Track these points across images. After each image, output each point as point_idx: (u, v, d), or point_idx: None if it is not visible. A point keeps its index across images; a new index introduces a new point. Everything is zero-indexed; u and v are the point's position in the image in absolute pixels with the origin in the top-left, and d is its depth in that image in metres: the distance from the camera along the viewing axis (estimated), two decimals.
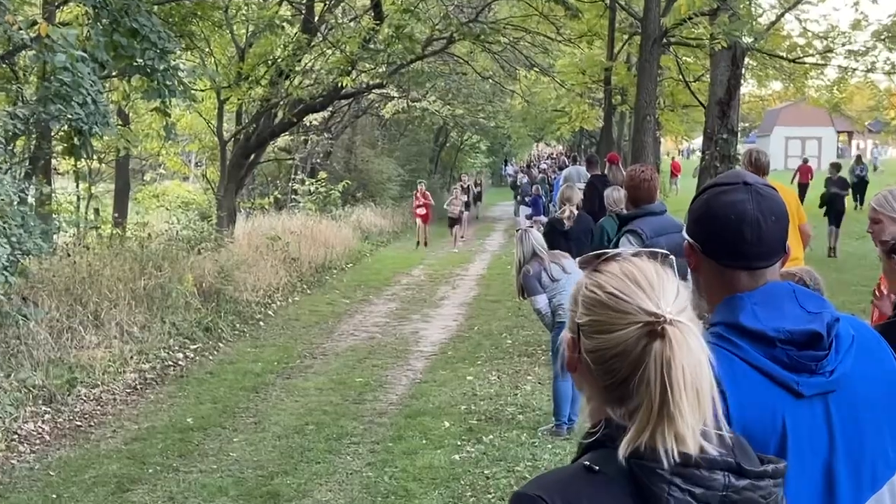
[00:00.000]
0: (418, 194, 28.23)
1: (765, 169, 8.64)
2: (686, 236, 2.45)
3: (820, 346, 2.20)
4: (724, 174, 2.58)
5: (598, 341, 1.73)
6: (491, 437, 8.79)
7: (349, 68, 20.59)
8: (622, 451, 1.66)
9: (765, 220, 2.29)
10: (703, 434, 1.68)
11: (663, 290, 1.72)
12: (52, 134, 14.19)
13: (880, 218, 4.90)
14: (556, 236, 11.08)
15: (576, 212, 11.21)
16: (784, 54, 21.92)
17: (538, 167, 52.21)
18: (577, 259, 1.91)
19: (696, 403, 1.65)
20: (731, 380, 2.10)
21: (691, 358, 1.66)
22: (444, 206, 29.75)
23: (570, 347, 1.81)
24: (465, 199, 30.30)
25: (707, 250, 2.34)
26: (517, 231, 9.33)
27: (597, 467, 1.70)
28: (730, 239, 2.30)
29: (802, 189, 34.14)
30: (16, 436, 8.91)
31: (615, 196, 10.66)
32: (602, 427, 1.74)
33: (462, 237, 29.15)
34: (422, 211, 27.82)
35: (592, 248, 10.80)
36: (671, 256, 1.84)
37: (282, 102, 21.16)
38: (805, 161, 39.12)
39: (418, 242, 27.67)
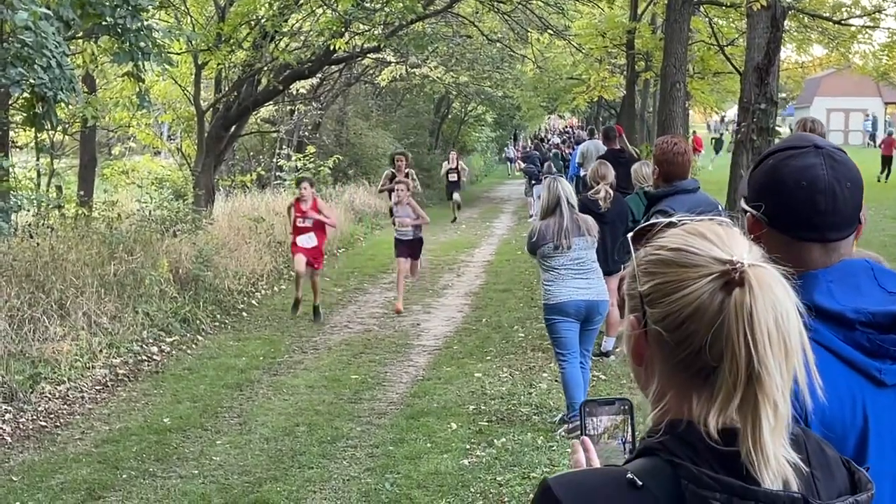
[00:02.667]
0: (301, 198, 15.15)
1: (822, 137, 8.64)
2: (746, 208, 2.41)
3: None
4: (790, 137, 2.54)
5: (668, 304, 1.65)
6: (503, 440, 8.78)
7: (342, 30, 20.59)
8: (713, 424, 1.59)
9: (840, 186, 2.27)
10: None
11: (734, 242, 1.65)
12: (11, 101, 14.17)
13: None
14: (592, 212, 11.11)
15: (612, 192, 11.14)
16: (828, 15, 21.85)
17: (550, 142, 51.99)
18: (629, 234, 1.83)
19: (783, 358, 1.58)
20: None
21: (777, 305, 1.59)
22: (394, 221, 16.33)
23: (635, 326, 1.73)
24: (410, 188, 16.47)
25: (775, 222, 2.30)
26: (545, 177, 9.36)
27: (640, 482, 1.61)
28: (802, 208, 2.27)
29: (886, 162, 35.37)
30: None
31: (645, 171, 10.63)
32: (664, 429, 1.66)
33: (415, 275, 16.56)
34: (307, 242, 15.02)
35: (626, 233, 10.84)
36: (730, 223, 1.77)
37: (266, 68, 21.15)
38: (890, 133, 40.22)
39: (296, 302, 15.31)
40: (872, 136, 65.81)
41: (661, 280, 1.67)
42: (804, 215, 2.27)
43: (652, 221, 1.81)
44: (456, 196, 28.06)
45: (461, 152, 50.65)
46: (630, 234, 1.83)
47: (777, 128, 15.44)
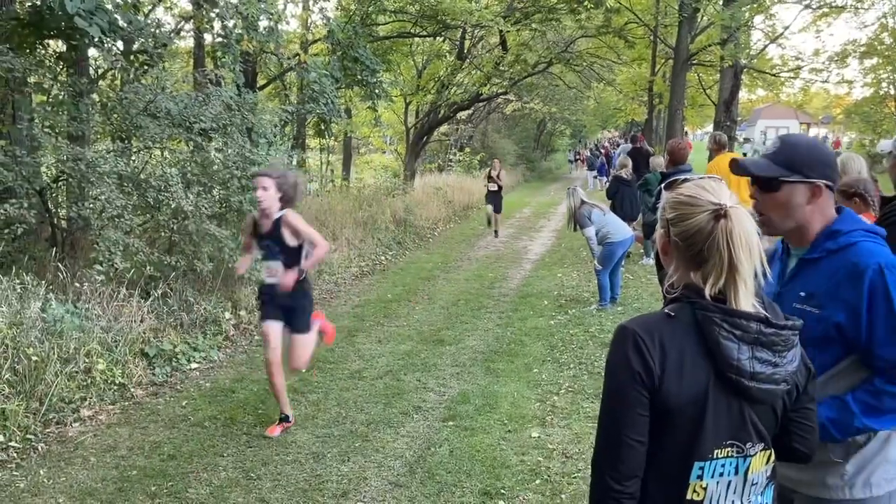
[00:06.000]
0: None
1: (725, 145, 8.39)
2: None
3: None
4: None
5: (683, 227, 1.69)
6: (573, 310, 8.71)
7: (485, 82, 20.42)
8: (708, 291, 1.65)
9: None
10: (756, 292, 1.67)
11: (721, 192, 1.69)
12: (306, 123, 14.48)
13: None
14: (621, 186, 10.99)
15: (631, 172, 11.12)
16: (767, 71, 20.79)
17: (601, 146, 50.44)
18: (664, 183, 1.84)
19: (749, 256, 1.64)
20: None
21: (745, 228, 1.64)
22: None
23: (664, 236, 1.76)
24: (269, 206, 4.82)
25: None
26: (567, 189, 9.14)
27: (673, 314, 1.67)
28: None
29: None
30: None
31: (658, 161, 10.54)
32: (681, 288, 1.71)
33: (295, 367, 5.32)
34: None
35: (641, 194, 10.64)
36: (722, 179, 1.76)
37: (443, 104, 21.15)
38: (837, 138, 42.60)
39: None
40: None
41: (679, 212, 1.72)
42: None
43: (677, 178, 1.82)
44: (490, 209, 15.67)
45: (550, 152, 49.33)
46: (666, 183, 1.85)
47: (735, 136, 14.90)
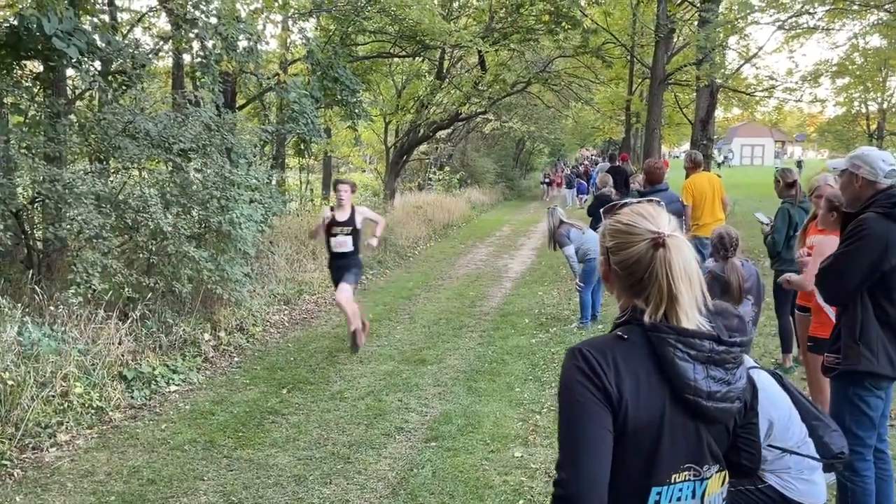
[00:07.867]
0: None
1: (701, 163, 8.52)
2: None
3: None
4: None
5: (622, 255, 1.68)
6: (554, 329, 8.73)
7: (465, 101, 20.53)
8: (647, 319, 1.62)
9: None
10: (699, 312, 1.65)
11: (660, 219, 1.67)
12: (287, 142, 14.45)
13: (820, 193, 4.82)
14: (604, 204, 11.06)
15: (614, 191, 11.19)
16: (743, 90, 21.10)
17: (579, 165, 50.66)
18: (603, 209, 1.83)
19: (689, 286, 1.62)
20: None
21: (684, 257, 1.62)
22: None
23: (604, 263, 1.76)
24: None
25: None
26: (547, 209, 9.19)
27: (625, 336, 1.63)
28: None
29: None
30: (268, 323, 9.16)
31: (639, 179, 10.68)
32: (629, 311, 1.68)
33: None
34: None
35: None
36: (661, 202, 1.78)
37: (423, 123, 21.22)
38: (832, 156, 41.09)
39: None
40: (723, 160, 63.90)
41: (617, 240, 1.70)
42: None
43: (615, 202, 1.82)
44: (345, 288, 7.49)
45: (529, 170, 49.46)
46: (604, 209, 1.84)
47: (711, 154, 15.07)
